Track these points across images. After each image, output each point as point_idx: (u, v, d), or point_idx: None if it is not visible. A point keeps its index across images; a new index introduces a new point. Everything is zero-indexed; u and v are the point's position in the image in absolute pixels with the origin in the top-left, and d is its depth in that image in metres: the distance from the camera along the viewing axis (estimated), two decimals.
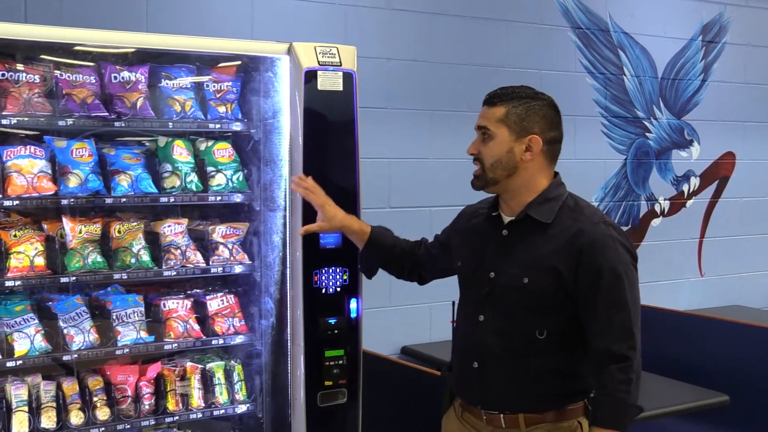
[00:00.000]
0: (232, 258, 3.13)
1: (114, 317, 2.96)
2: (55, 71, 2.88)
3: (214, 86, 3.12)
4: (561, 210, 2.46)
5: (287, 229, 3.04)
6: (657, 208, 5.81)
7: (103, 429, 2.87)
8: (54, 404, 2.83)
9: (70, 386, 2.89)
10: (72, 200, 2.85)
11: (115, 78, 2.95)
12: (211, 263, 3.10)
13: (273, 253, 3.13)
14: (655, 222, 5.82)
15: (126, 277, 2.95)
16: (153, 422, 3.01)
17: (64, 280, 2.85)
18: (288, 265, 3.05)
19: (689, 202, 5.98)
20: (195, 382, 3.08)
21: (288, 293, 3.05)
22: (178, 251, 3.04)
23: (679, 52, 5.81)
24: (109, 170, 2.96)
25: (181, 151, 3.08)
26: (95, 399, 2.91)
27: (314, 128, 2.96)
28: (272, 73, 3.07)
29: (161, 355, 3.10)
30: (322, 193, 2.87)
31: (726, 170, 6.14)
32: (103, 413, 2.90)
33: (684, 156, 5.92)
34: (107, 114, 2.89)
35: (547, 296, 2.41)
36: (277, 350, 3.15)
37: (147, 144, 3.14)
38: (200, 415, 3.07)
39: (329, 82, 2.97)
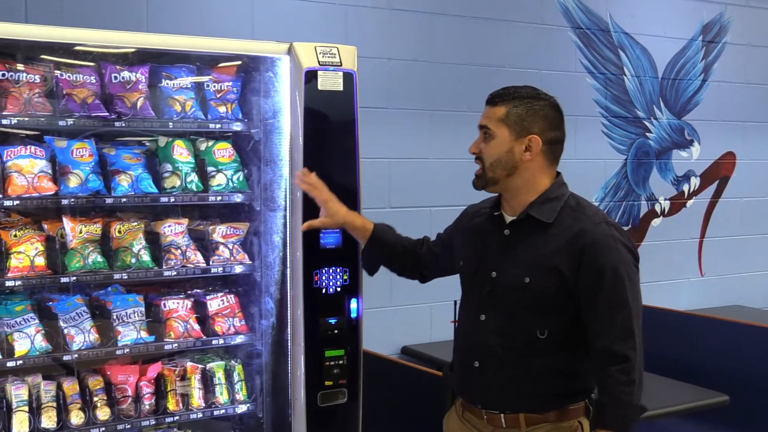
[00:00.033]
0: (232, 258, 3.13)
1: (114, 317, 2.96)
2: (56, 71, 2.88)
3: (214, 86, 3.12)
4: (562, 210, 2.46)
5: (287, 229, 3.04)
6: (657, 208, 5.81)
7: (103, 429, 2.87)
8: (54, 404, 2.83)
9: (71, 386, 2.89)
10: (72, 200, 2.85)
11: (116, 78, 2.95)
12: (211, 263, 3.10)
13: (273, 253, 3.13)
14: (656, 222, 5.82)
15: (126, 277, 2.95)
16: (153, 422, 3.01)
17: (64, 280, 2.85)
18: (288, 265, 3.05)
19: (689, 202, 5.98)
20: (195, 382, 3.08)
21: (288, 293, 3.05)
22: (179, 251, 3.04)
23: (679, 52, 5.81)
24: (109, 170, 2.96)
25: (181, 151, 3.08)
26: (95, 399, 2.91)
27: (314, 128, 2.96)
28: (272, 73, 3.07)
29: (161, 355, 3.10)
30: (325, 189, 2.87)
31: (726, 170, 6.15)
32: (103, 413, 2.90)
33: (684, 156, 5.92)
34: (107, 114, 2.89)
35: (549, 296, 2.41)
36: (277, 350, 3.15)
37: (147, 144, 3.14)
38: (200, 415, 3.07)
39: (329, 82, 2.97)
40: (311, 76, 2.94)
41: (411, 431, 3.73)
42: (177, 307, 3.09)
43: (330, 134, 3.00)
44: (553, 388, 2.45)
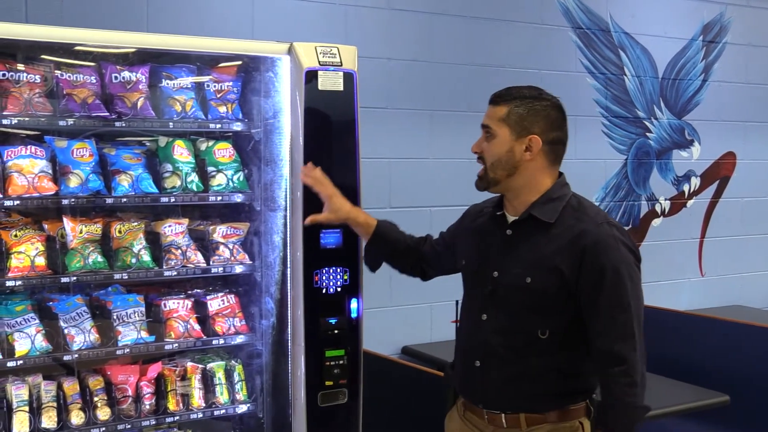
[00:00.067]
0: (232, 258, 3.13)
1: (114, 317, 2.96)
2: (56, 71, 2.88)
3: (214, 86, 3.12)
4: (564, 210, 2.46)
5: (288, 229, 3.04)
6: (657, 208, 5.81)
7: (103, 429, 2.87)
8: (54, 404, 2.83)
9: (71, 386, 2.89)
10: (73, 200, 2.85)
11: (116, 78, 2.95)
12: (211, 263, 3.10)
13: (273, 253, 3.13)
14: (656, 222, 5.82)
15: (126, 277, 2.95)
16: (153, 422, 3.01)
17: (64, 280, 2.85)
18: (288, 265, 3.05)
19: (690, 202, 5.98)
20: (195, 382, 3.08)
21: (288, 293, 3.05)
22: (179, 251, 3.04)
23: (679, 52, 5.81)
24: (109, 170, 2.96)
25: (181, 151, 3.08)
26: (96, 399, 2.91)
27: (315, 128, 2.96)
28: (273, 73, 3.07)
29: (162, 355, 3.10)
30: (329, 184, 2.87)
31: (727, 170, 6.15)
32: (103, 413, 2.90)
33: (685, 156, 5.92)
34: (108, 114, 2.89)
35: (550, 296, 2.41)
36: (277, 350, 3.15)
37: (147, 144, 3.14)
38: (201, 415, 3.07)
39: (330, 82, 2.97)
40: (311, 76, 2.94)
41: (411, 431, 3.73)
42: (177, 307, 3.09)
43: (330, 134, 3.00)
44: (554, 388, 2.45)
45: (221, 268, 3.11)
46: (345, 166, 2.97)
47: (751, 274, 6.24)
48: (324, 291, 2.99)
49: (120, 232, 2.97)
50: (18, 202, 2.78)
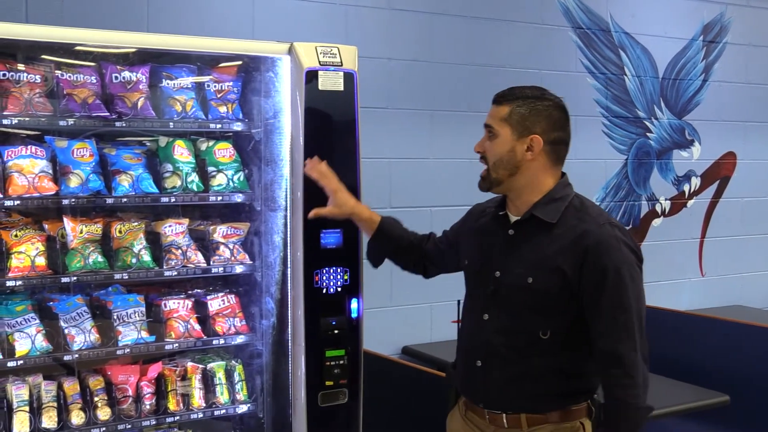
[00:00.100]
0: (233, 258, 3.13)
1: (115, 317, 2.96)
2: (56, 71, 2.88)
3: (214, 86, 3.12)
4: (567, 210, 2.45)
5: (288, 229, 3.04)
6: (658, 208, 5.81)
7: (104, 429, 2.87)
8: (55, 404, 2.83)
9: (71, 386, 2.89)
10: (73, 200, 2.85)
11: (116, 78, 2.95)
12: (212, 263, 3.10)
13: (274, 253, 3.13)
14: (656, 222, 5.82)
15: (127, 277, 2.95)
16: (154, 422, 3.01)
17: (65, 280, 2.85)
18: (289, 265, 3.05)
19: (690, 202, 5.98)
20: (196, 382, 3.08)
21: (289, 293, 3.05)
22: (179, 251, 3.04)
23: (680, 52, 5.81)
24: (110, 170, 2.96)
25: (182, 151, 3.08)
26: (96, 399, 2.91)
27: (315, 128, 2.96)
28: (273, 73, 3.07)
29: (162, 355, 3.10)
30: (334, 179, 2.87)
31: (727, 170, 6.15)
32: (104, 413, 2.90)
33: (685, 156, 5.92)
34: (108, 114, 2.89)
35: (552, 296, 2.41)
36: (278, 350, 3.15)
37: (148, 144, 3.14)
38: (201, 415, 3.07)
39: (330, 82, 2.97)
40: (312, 76, 2.94)
41: (411, 431, 3.73)
42: (178, 307, 3.09)
43: (330, 134, 3.00)
44: (556, 388, 2.45)
45: (221, 268, 3.11)
46: (345, 166, 2.97)
47: (752, 274, 6.24)
48: (324, 291, 2.99)
49: (120, 232, 2.97)
50: (18, 202, 2.78)
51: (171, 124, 3.02)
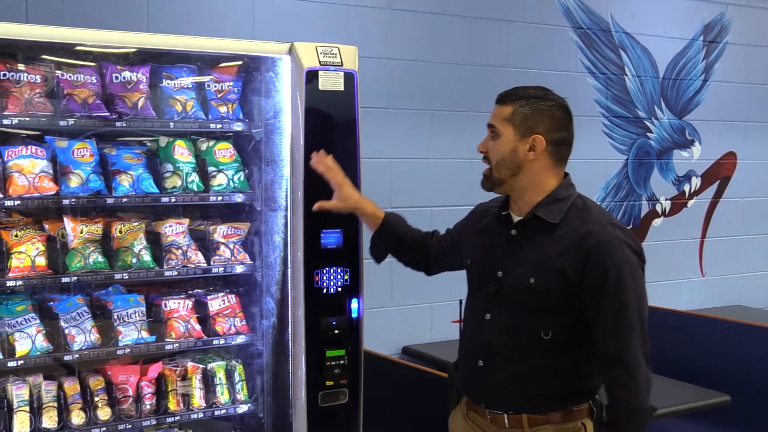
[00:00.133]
0: (233, 258, 3.13)
1: (115, 317, 2.96)
2: (57, 71, 2.88)
3: (215, 86, 3.12)
4: (569, 210, 2.45)
5: (288, 229, 3.04)
6: (658, 208, 5.81)
7: (104, 429, 2.87)
8: (55, 404, 2.83)
9: (72, 386, 2.89)
10: (73, 200, 2.85)
11: (117, 78, 2.95)
12: (212, 263, 3.10)
13: (274, 253, 3.13)
14: (657, 222, 5.82)
15: (127, 277, 2.95)
16: (154, 422, 3.01)
17: (65, 280, 2.85)
18: (289, 265, 3.05)
19: (690, 202, 5.98)
20: (196, 382, 3.08)
21: (289, 293, 3.05)
22: (180, 251, 3.04)
23: (680, 52, 5.81)
24: (110, 170, 2.96)
25: (182, 151, 3.08)
26: (96, 399, 2.91)
27: (315, 128, 2.96)
28: (273, 73, 3.07)
29: (162, 355, 3.10)
30: (340, 173, 2.87)
31: (727, 170, 6.14)
32: (104, 413, 2.90)
33: (685, 156, 5.92)
34: (108, 114, 2.89)
35: (553, 296, 2.40)
36: (278, 350, 3.15)
37: (148, 144, 3.14)
38: (201, 415, 3.07)
39: (330, 82, 2.97)
40: (312, 76, 2.94)
41: (411, 431, 3.73)
42: (178, 307, 3.09)
43: (331, 134, 3.00)
44: (557, 388, 2.45)
45: (222, 268, 3.11)
46: (346, 166, 2.97)
47: (752, 274, 6.24)
48: (324, 291, 2.99)
49: (120, 232, 2.97)
50: (19, 202, 2.79)
51: (171, 124, 3.02)
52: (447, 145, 4.80)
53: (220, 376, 3.13)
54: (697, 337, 4.83)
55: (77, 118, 2.84)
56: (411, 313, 4.73)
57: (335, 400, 3.02)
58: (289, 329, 3.05)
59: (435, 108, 4.79)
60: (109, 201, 2.91)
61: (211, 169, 3.10)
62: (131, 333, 2.96)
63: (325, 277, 2.99)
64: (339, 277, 3.02)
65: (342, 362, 3.01)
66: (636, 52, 5.59)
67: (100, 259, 2.92)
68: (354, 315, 3.05)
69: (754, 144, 6.20)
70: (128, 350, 2.95)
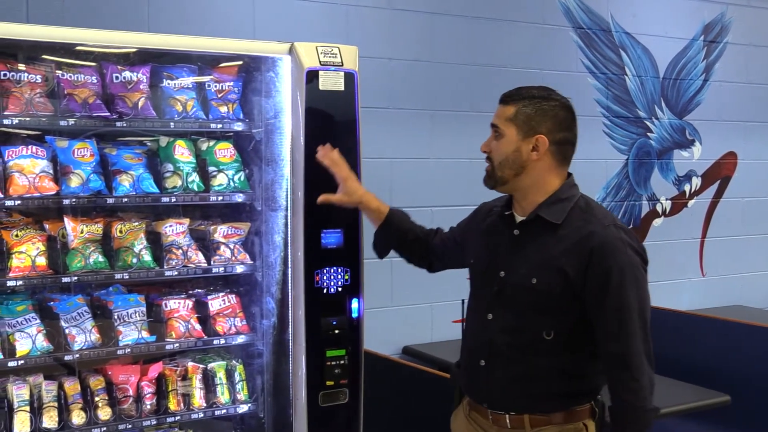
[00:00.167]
0: (233, 258, 3.13)
1: (115, 317, 2.97)
2: (57, 71, 2.88)
3: (215, 86, 3.12)
4: (572, 211, 2.45)
5: (289, 229, 3.04)
6: (658, 208, 5.81)
7: (104, 429, 2.88)
8: (55, 404, 2.83)
9: (72, 386, 2.89)
10: (73, 200, 2.85)
11: (117, 78, 2.95)
12: (212, 263, 3.10)
13: (274, 253, 3.13)
14: (657, 222, 5.82)
15: (127, 277, 2.95)
16: (154, 422, 3.01)
17: (65, 280, 2.86)
18: (289, 265, 3.05)
19: (691, 202, 5.98)
20: (196, 382, 3.08)
21: (289, 293, 3.05)
22: (180, 251, 3.04)
23: (680, 52, 5.81)
24: (110, 170, 2.96)
25: (182, 151, 3.08)
26: (97, 399, 2.91)
27: (316, 128, 2.95)
28: (274, 73, 3.07)
29: (163, 355, 3.10)
30: (345, 167, 2.89)
31: (728, 170, 6.14)
32: (104, 413, 2.90)
33: (685, 156, 5.92)
34: (109, 114, 2.89)
35: (555, 297, 2.40)
36: (278, 350, 3.15)
37: (148, 144, 3.14)
38: (202, 415, 3.07)
39: (331, 82, 2.97)
40: (312, 76, 2.94)
41: (412, 431, 3.73)
42: (178, 307, 3.09)
43: (331, 134, 2.99)
44: (559, 388, 2.44)
45: (222, 268, 3.11)
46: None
47: (752, 274, 6.24)
48: (325, 291, 2.99)
49: (121, 232, 2.97)
50: (19, 202, 2.79)
51: (172, 124, 3.02)
52: (447, 145, 4.80)
53: (221, 376, 3.13)
54: (698, 337, 4.83)
55: (78, 118, 2.84)
56: (411, 313, 4.73)
57: (335, 400, 3.02)
58: (290, 329, 3.05)
59: (435, 108, 4.79)
60: (110, 201, 2.91)
61: (211, 169, 3.10)
62: (131, 333, 2.96)
63: (325, 277, 2.99)
64: (339, 277, 3.02)
65: (342, 362, 3.02)
66: (636, 52, 5.59)
67: (101, 259, 2.92)
68: (354, 315, 3.05)
69: (755, 144, 6.20)
70: (128, 350, 2.95)
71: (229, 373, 3.16)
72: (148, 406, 2.99)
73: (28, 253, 2.81)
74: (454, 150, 4.78)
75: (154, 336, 3.01)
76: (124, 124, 2.92)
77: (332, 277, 3.00)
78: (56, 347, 2.85)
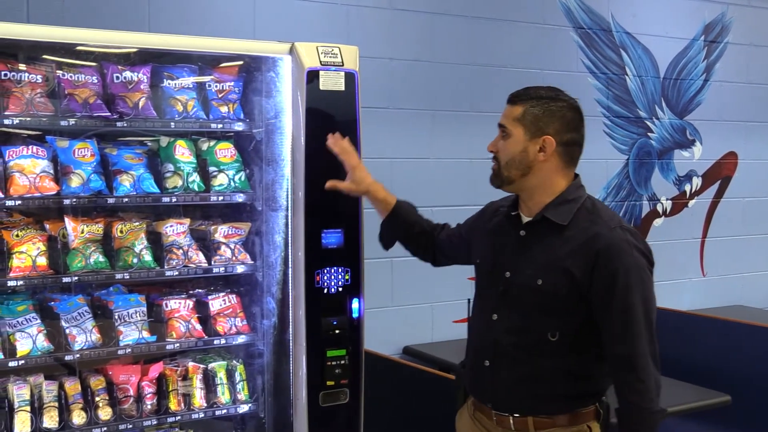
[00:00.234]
0: (234, 258, 3.13)
1: (116, 317, 2.97)
2: (58, 71, 2.88)
3: (216, 86, 3.12)
4: (578, 212, 2.44)
5: (289, 229, 3.04)
6: (659, 208, 5.81)
7: (105, 429, 2.88)
8: (56, 404, 2.84)
9: (72, 386, 2.89)
10: (74, 200, 2.85)
11: (117, 78, 2.95)
12: (213, 263, 3.10)
13: (275, 253, 3.13)
14: (657, 222, 5.82)
15: (128, 277, 2.95)
16: (155, 422, 3.01)
17: (66, 280, 2.86)
18: (290, 265, 3.05)
19: (691, 202, 5.98)
20: (197, 382, 3.08)
21: (290, 293, 3.05)
22: (180, 251, 3.04)
23: (681, 52, 5.81)
24: (111, 170, 2.96)
25: (183, 151, 3.08)
26: (97, 399, 2.91)
27: (316, 128, 2.95)
28: (274, 73, 3.07)
29: (163, 355, 3.10)
30: (355, 156, 2.90)
31: (728, 170, 6.14)
32: (105, 413, 2.90)
33: (686, 156, 5.92)
34: (109, 114, 2.89)
35: (561, 298, 2.39)
36: (279, 350, 3.15)
37: (149, 144, 3.14)
38: (202, 415, 3.07)
39: (331, 82, 2.97)
40: (313, 76, 2.94)
41: (412, 431, 3.73)
42: (179, 307, 3.09)
43: (332, 134, 2.99)
44: (565, 389, 2.44)
45: (223, 268, 3.11)
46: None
47: (753, 274, 6.24)
48: (325, 291, 2.99)
49: (121, 232, 2.97)
50: (20, 202, 2.79)
51: (172, 124, 3.02)
52: (448, 145, 4.80)
53: (221, 376, 3.13)
54: (698, 337, 4.83)
55: (78, 118, 2.84)
56: (412, 313, 4.73)
57: (336, 400, 3.02)
58: (290, 329, 3.05)
59: (436, 108, 4.78)
60: (110, 201, 2.91)
61: (212, 169, 3.10)
62: (132, 333, 2.96)
63: (325, 277, 2.99)
64: (340, 277, 3.02)
65: (343, 362, 3.02)
66: (637, 52, 5.59)
67: (101, 259, 2.92)
68: (355, 315, 3.05)
69: (755, 144, 6.20)
70: (129, 350, 2.95)
71: (230, 373, 3.16)
72: (149, 406, 2.99)
73: (29, 253, 2.82)
74: (454, 150, 4.78)
75: (155, 336, 3.01)
76: (125, 124, 2.92)
77: (333, 277, 3.00)
78: (57, 347, 2.85)
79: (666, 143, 5.79)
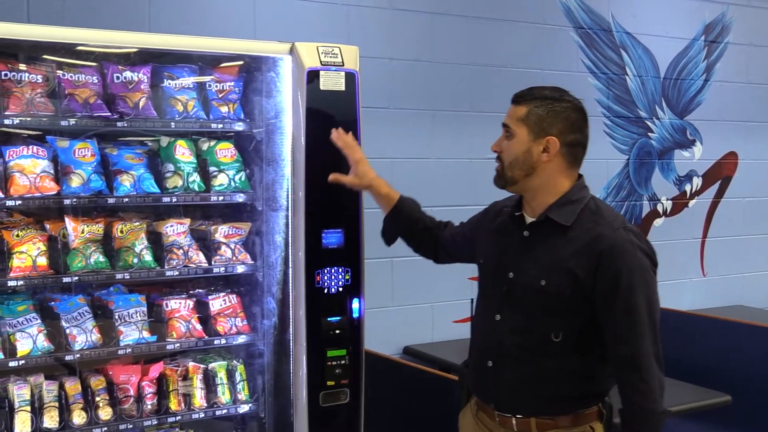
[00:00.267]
0: (234, 258, 3.13)
1: (116, 317, 2.97)
2: (58, 71, 2.88)
3: (216, 86, 3.12)
4: (582, 213, 2.44)
5: (289, 229, 3.04)
6: (659, 208, 5.81)
7: (105, 429, 2.88)
8: (56, 404, 2.84)
9: (73, 386, 2.89)
10: (74, 200, 2.85)
11: (118, 78, 2.95)
12: (213, 263, 3.10)
13: (275, 253, 3.13)
14: (658, 222, 5.82)
15: (128, 277, 2.95)
16: (155, 422, 3.01)
17: (66, 280, 2.86)
18: (290, 265, 3.05)
19: (692, 202, 5.97)
20: (197, 382, 3.08)
21: (290, 293, 3.05)
22: (181, 251, 3.04)
23: (681, 52, 5.81)
24: (111, 170, 2.96)
25: (183, 151, 3.08)
26: (98, 399, 2.91)
27: (316, 128, 2.95)
28: (274, 73, 3.07)
29: (163, 355, 3.11)
30: (358, 150, 2.91)
31: (728, 170, 6.14)
32: (105, 413, 2.90)
33: (686, 156, 5.92)
34: (110, 114, 2.89)
35: (564, 298, 2.39)
36: (279, 350, 3.15)
37: (149, 144, 3.14)
38: (202, 415, 3.07)
39: (331, 82, 2.97)
40: (313, 76, 2.94)
41: (412, 431, 3.73)
42: (179, 307, 3.09)
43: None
44: (568, 390, 2.44)
45: (223, 268, 3.11)
46: (347, 166, 2.97)
47: (753, 274, 6.24)
48: (326, 291, 2.99)
49: (122, 232, 2.97)
50: (20, 202, 2.79)
51: (172, 124, 3.02)
52: (448, 145, 4.80)
53: (221, 376, 3.13)
54: (698, 337, 4.83)
55: (78, 118, 2.84)
56: (412, 313, 4.73)
57: (336, 400, 3.02)
58: (290, 329, 3.05)
59: (436, 108, 4.78)
60: (111, 201, 2.91)
61: (212, 169, 3.10)
62: (132, 333, 2.96)
63: (326, 277, 2.99)
64: (340, 276, 3.02)
65: (343, 362, 3.02)
66: (637, 51, 5.59)
67: (102, 259, 2.92)
68: (355, 315, 3.05)
69: (756, 144, 6.20)
70: (129, 350, 2.95)
71: (230, 373, 3.16)
72: (149, 406, 2.99)
73: (29, 253, 2.82)
74: (454, 150, 4.78)
75: (155, 336, 3.01)
76: (125, 124, 2.92)
77: (333, 277, 3.00)
78: (57, 347, 2.85)
79: (666, 143, 5.79)
